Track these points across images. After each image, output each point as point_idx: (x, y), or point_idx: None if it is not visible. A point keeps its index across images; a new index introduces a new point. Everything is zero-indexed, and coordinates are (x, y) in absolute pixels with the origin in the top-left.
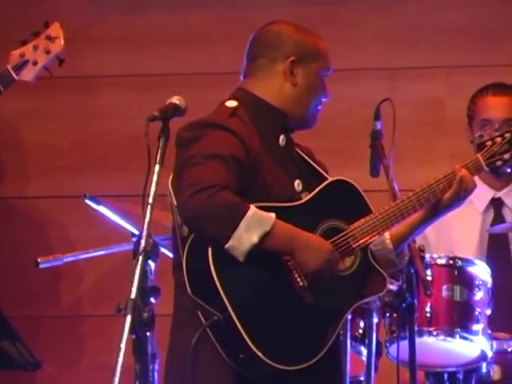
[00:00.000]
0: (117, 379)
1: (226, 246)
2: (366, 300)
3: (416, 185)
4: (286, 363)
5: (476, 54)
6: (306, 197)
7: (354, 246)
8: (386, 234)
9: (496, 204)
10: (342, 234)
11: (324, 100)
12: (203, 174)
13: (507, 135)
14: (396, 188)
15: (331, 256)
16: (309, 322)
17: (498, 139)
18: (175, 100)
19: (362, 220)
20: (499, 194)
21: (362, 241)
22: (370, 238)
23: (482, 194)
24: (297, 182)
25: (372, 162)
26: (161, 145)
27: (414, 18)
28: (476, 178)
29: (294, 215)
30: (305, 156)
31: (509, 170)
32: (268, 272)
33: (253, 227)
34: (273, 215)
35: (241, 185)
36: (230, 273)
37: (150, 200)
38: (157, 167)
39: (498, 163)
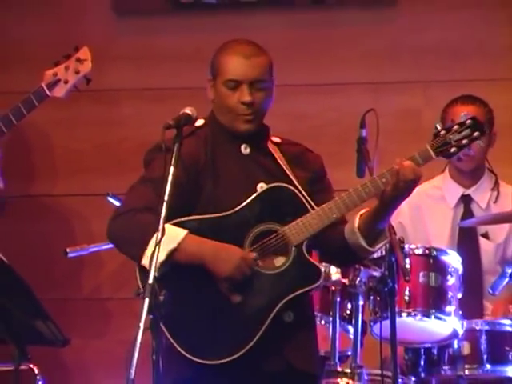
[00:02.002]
0: (136, 353)
1: (141, 263)
2: (299, 292)
3: None
4: (215, 357)
5: (448, 71)
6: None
7: (288, 244)
8: (355, 224)
9: (466, 200)
10: (272, 236)
11: (242, 107)
12: (130, 199)
13: (468, 122)
14: None
15: (241, 262)
16: (239, 319)
17: (456, 127)
18: (187, 110)
19: (297, 220)
20: (468, 192)
21: (293, 239)
22: (303, 236)
23: (453, 191)
24: (260, 185)
25: (358, 165)
26: (175, 149)
27: (395, 39)
28: (447, 177)
29: (226, 223)
30: (279, 159)
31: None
32: (198, 278)
33: (168, 242)
34: (183, 232)
35: (184, 199)
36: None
37: (166, 198)
38: (171, 169)
39: (452, 150)
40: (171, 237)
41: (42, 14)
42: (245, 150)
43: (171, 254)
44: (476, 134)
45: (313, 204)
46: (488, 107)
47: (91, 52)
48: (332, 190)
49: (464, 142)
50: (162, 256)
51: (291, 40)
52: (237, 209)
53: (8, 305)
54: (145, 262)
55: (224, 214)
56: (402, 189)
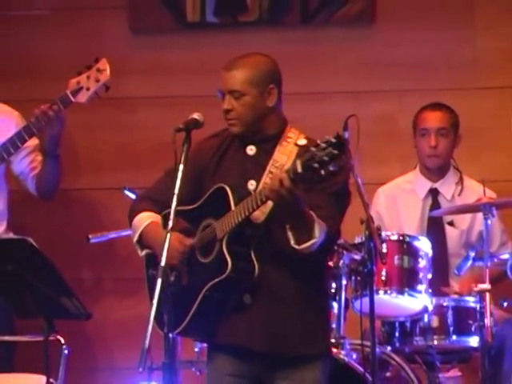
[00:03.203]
0: (150, 326)
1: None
2: (212, 283)
3: (374, 179)
4: (171, 329)
5: (419, 81)
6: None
7: (216, 237)
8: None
9: (433, 193)
10: (207, 229)
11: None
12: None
13: (333, 140)
14: (360, 181)
15: (174, 252)
16: (184, 297)
17: (322, 144)
18: (196, 116)
19: (223, 217)
20: (436, 185)
21: (218, 233)
22: (223, 232)
23: (423, 185)
24: (250, 182)
25: None
26: (184, 149)
27: (372, 54)
28: (418, 173)
29: (194, 215)
30: (270, 161)
31: (323, 173)
32: None
33: (135, 230)
34: (146, 222)
35: (193, 190)
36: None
37: (176, 191)
38: (181, 166)
39: (315, 165)
40: (140, 224)
41: (66, 31)
42: (250, 151)
43: (140, 238)
44: (335, 151)
45: (234, 202)
46: (454, 113)
47: (111, 65)
48: (331, 192)
49: (326, 158)
50: (134, 239)
51: (283, 54)
52: (198, 203)
53: (38, 284)
54: (134, 240)
55: (191, 207)
56: (284, 196)
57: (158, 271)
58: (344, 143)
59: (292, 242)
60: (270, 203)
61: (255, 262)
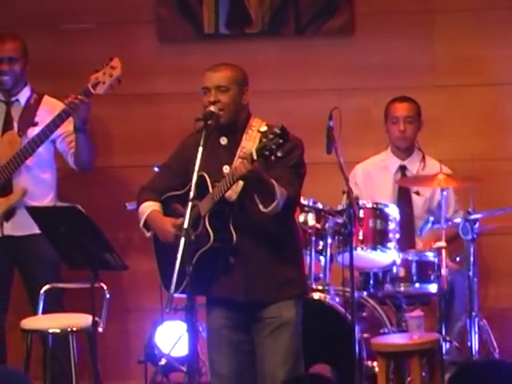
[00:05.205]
0: (175, 276)
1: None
2: (202, 250)
3: (353, 158)
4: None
5: (389, 80)
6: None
7: (201, 215)
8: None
9: (402, 169)
10: (194, 209)
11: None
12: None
13: (278, 131)
14: (342, 160)
15: (170, 236)
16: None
17: (270, 135)
18: (212, 108)
19: (205, 198)
20: (404, 163)
21: (201, 211)
22: (204, 209)
23: (393, 162)
24: (225, 167)
25: (327, 146)
26: (203, 135)
27: (352, 58)
28: (389, 152)
29: (184, 198)
30: (239, 148)
31: (273, 158)
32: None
33: (140, 217)
34: (149, 209)
35: (173, 178)
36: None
37: (196, 168)
38: (200, 149)
39: (266, 153)
40: (143, 212)
41: (107, 41)
42: (222, 141)
43: (145, 223)
44: (281, 141)
45: (212, 186)
46: (417, 104)
47: (142, 68)
48: (288, 166)
49: (273, 146)
50: (141, 224)
51: (281, 59)
52: (186, 189)
53: (86, 243)
54: (140, 225)
55: (181, 192)
56: (243, 178)
57: (181, 232)
58: (286, 133)
59: (261, 207)
60: (240, 184)
61: (233, 232)
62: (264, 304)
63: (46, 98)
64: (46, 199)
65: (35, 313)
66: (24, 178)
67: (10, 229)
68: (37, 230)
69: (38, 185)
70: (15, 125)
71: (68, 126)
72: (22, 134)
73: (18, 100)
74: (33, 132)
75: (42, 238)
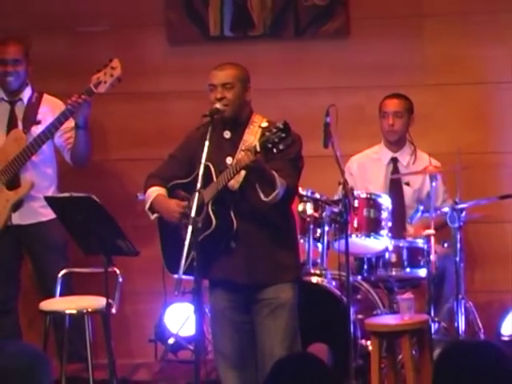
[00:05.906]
0: (183, 261)
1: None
2: (204, 235)
3: (349, 151)
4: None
5: (382, 79)
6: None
7: (204, 201)
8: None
9: (394, 161)
10: (199, 195)
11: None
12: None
13: (281, 126)
14: (338, 153)
15: (176, 215)
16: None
17: (273, 129)
18: (218, 105)
19: (209, 186)
20: (396, 155)
21: (205, 198)
22: (207, 197)
23: (385, 154)
24: (228, 158)
25: (324, 140)
26: (209, 130)
27: (348, 59)
28: (382, 145)
29: (190, 186)
30: (241, 141)
31: (275, 150)
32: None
33: (147, 200)
34: (154, 193)
35: (179, 169)
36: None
37: (203, 160)
38: (207, 142)
39: (269, 145)
40: (148, 196)
41: (120, 42)
42: (226, 135)
43: (151, 206)
44: (283, 135)
45: (216, 175)
46: (409, 100)
47: (152, 68)
48: (288, 159)
49: (276, 140)
50: (146, 206)
51: (281, 60)
52: (192, 177)
53: (100, 230)
54: (146, 208)
55: (187, 180)
56: (247, 168)
57: (189, 220)
58: (289, 128)
59: (262, 196)
60: (242, 174)
61: (234, 218)
62: (263, 285)
63: (46, 97)
64: (49, 191)
65: (43, 297)
66: (30, 172)
67: (18, 218)
68: (43, 218)
69: (42, 179)
70: (19, 123)
71: (67, 122)
72: (27, 131)
73: (21, 99)
74: (36, 129)
75: (50, 226)
